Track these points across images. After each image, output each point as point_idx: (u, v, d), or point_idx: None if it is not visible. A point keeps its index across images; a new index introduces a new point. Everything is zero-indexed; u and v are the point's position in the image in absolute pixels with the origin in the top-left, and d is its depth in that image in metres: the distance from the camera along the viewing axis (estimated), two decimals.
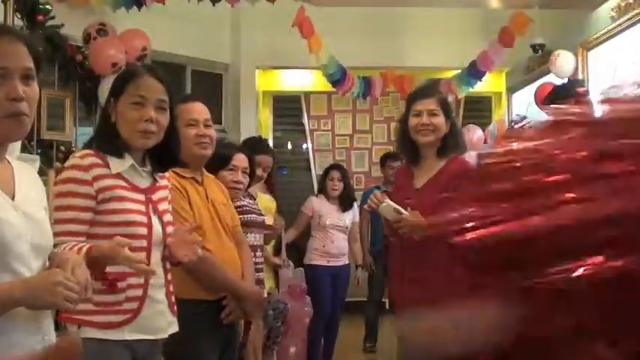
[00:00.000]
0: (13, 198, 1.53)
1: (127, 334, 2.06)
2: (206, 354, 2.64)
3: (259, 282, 3.31)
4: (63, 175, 2.07)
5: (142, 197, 2.14)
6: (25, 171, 1.62)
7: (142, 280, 2.07)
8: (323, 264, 5.28)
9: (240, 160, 3.30)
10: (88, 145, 2.19)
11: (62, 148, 5.27)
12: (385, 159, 6.21)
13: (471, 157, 7.34)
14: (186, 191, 2.61)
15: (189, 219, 2.52)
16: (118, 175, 2.10)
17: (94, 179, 2.05)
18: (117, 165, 2.11)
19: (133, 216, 2.09)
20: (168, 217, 2.22)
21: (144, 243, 2.09)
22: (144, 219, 2.11)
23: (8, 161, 1.61)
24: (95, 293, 1.98)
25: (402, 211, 2.98)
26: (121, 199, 2.08)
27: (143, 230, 2.10)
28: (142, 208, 2.12)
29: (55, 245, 1.85)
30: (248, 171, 3.41)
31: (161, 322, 2.15)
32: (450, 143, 3.08)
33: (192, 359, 2.59)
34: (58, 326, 1.91)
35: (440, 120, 3.05)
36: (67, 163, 2.11)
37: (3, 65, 1.51)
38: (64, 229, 2.00)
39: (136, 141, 2.15)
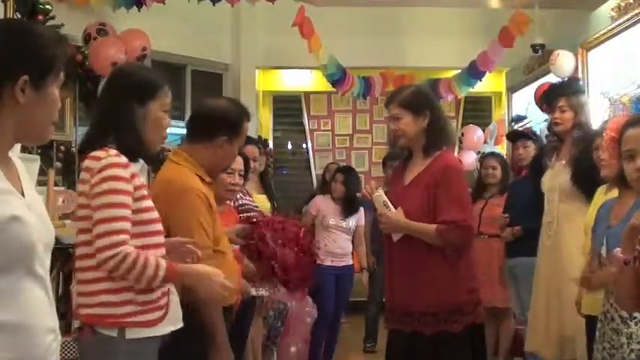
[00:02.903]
0: (22, 195, 1.52)
1: (164, 328, 2.09)
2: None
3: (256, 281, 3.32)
4: (105, 174, 2.01)
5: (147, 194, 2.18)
6: (19, 164, 1.61)
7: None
8: (326, 264, 5.28)
9: (237, 162, 3.32)
10: (102, 144, 2.11)
11: (62, 148, 5.28)
12: (386, 159, 6.22)
13: (470, 155, 7.38)
14: (208, 200, 2.56)
15: (209, 234, 2.49)
16: (135, 175, 2.13)
17: (132, 177, 2.06)
18: (135, 164, 2.14)
19: (154, 213, 2.12)
20: None
21: (162, 239, 2.14)
22: (158, 215, 2.14)
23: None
24: (137, 294, 2.02)
25: (390, 206, 2.99)
26: (146, 197, 2.11)
27: (160, 226, 2.14)
28: (152, 204, 2.15)
29: (115, 244, 1.94)
30: (243, 173, 3.43)
31: (179, 311, 2.18)
32: (430, 140, 3.00)
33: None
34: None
35: (404, 122, 2.98)
36: (105, 162, 2.02)
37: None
38: (117, 227, 1.98)
39: (157, 146, 2.24)
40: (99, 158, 2.03)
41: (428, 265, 2.89)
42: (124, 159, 2.05)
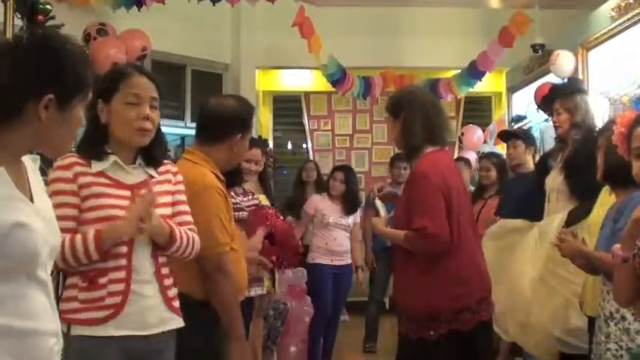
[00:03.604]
0: (31, 201, 1.52)
1: (113, 330, 2.05)
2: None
3: (258, 280, 3.33)
4: (49, 178, 2.11)
5: (126, 193, 2.14)
6: (30, 166, 1.60)
7: (123, 275, 2.08)
8: (326, 263, 5.28)
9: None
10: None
11: None
12: (394, 160, 6.24)
13: (470, 155, 7.37)
14: (226, 198, 2.61)
15: (229, 230, 2.55)
16: (100, 173, 2.13)
17: (75, 177, 2.10)
18: (98, 164, 2.15)
19: (113, 211, 2.09)
20: (164, 211, 2.20)
21: (124, 237, 2.09)
22: (116, 212, 2.10)
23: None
24: (78, 291, 2.05)
25: (381, 213, 3.12)
26: (100, 195, 2.10)
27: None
28: (125, 203, 2.12)
29: None
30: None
31: (151, 317, 2.12)
32: (404, 141, 3.00)
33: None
34: None
35: (389, 127, 3.05)
36: (54, 165, 2.15)
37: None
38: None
39: (133, 139, 2.17)
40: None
41: (407, 269, 2.90)
42: (69, 160, 2.11)
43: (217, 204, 2.50)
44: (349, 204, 5.37)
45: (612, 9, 5.41)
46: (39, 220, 1.47)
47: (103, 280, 2.06)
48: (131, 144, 2.18)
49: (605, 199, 3.16)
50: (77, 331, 2.04)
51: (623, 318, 2.59)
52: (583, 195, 3.40)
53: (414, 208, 2.83)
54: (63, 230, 1.93)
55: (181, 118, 7.48)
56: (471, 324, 2.80)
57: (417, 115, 2.93)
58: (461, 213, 2.85)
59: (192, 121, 7.66)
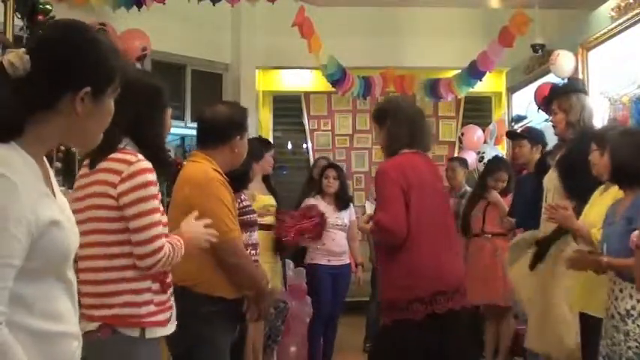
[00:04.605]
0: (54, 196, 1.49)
1: (172, 327, 2.18)
2: (224, 352, 2.72)
3: None
4: (140, 179, 2.05)
5: None
6: (48, 165, 1.57)
7: (171, 277, 2.20)
8: (324, 263, 5.28)
9: None
10: (112, 145, 2.11)
11: (62, 147, 5.26)
12: None
13: (470, 155, 7.38)
14: (229, 189, 2.77)
15: (235, 219, 2.72)
16: None
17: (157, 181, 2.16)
18: None
19: (164, 217, 2.18)
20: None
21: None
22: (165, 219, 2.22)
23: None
24: (152, 294, 2.09)
25: (366, 209, 3.46)
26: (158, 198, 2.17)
27: (166, 229, 2.19)
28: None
29: (158, 250, 2.04)
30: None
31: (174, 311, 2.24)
32: (385, 145, 3.27)
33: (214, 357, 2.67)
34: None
35: (375, 133, 3.30)
36: (138, 167, 2.05)
37: None
38: (158, 232, 2.07)
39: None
40: (129, 162, 2.06)
41: (379, 261, 3.31)
42: (150, 164, 2.10)
43: (222, 193, 2.64)
44: (342, 200, 5.40)
45: (612, 9, 5.41)
46: (65, 217, 1.45)
47: (169, 281, 2.17)
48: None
49: (596, 200, 3.18)
50: (152, 333, 2.09)
51: None
52: (577, 195, 3.41)
53: (377, 203, 3.16)
54: (163, 236, 2.07)
55: (181, 118, 7.48)
56: (422, 314, 3.00)
57: (401, 122, 3.19)
58: (424, 209, 3.04)
59: (192, 121, 7.66)
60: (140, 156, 2.08)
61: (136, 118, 2.13)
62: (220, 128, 2.80)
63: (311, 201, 5.45)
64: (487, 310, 5.26)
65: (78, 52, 1.44)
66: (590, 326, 2.98)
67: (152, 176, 2.06)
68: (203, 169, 2.69)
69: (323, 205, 5.34)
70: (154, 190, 2.07)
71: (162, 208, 2.14)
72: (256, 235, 3.70)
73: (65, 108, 1.42)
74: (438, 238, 3.11)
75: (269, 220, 4.63)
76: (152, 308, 2.08)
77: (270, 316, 4.45)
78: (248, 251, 3.17)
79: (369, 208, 3.57)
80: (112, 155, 2.07)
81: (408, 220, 2.98)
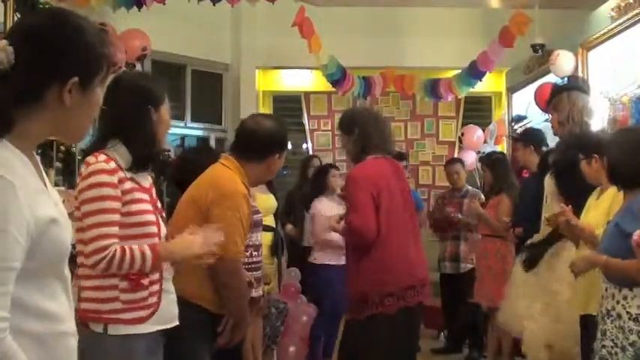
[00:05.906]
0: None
1: (151, 327, 2.16)
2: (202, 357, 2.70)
3: (257, 280, 3.34)
4: (91, 180, 2.10)
5: (147, 197, 2.22)
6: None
7: (158, 276, 2.18)
8: (328, 262, 5.28)
9: None
10: (96, 148, 2.21)
11: (62, 147, 5.26)
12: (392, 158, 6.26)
13: (470, 155, 7.37)
14: (250, 207, 2.74)
15: (246, 235, 2.71)
16: (131, 178, 2.18)
17: (119, 182, 2.13)
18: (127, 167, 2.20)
19: (147, 216, 2.17)
20: (163, 214, 2.34)
21: (156, 240, 2.18)
22: (154, 218, 2.20)
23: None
24: (119, 292, 2.09)
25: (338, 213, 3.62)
26: (138, 200, 2.16)
27: (154, 229, 2.19)
28: (150, 207, 2.21)
29: (103, 248, 2.03)
30: None
31: (173, 310, 2.25)
32: (354, 151, 3.39)
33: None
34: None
35: (343, 141, 3.45)
36: (92, 168, 2.11)
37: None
38: (103, 232, 2.08)
39: (163, 145, 2.37)
40: (88, 164, 2.13)
41: (348, 258, 3.40)
42: (112, 165, 2.12)
43: (243, 210, 2.60)
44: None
45: (612, 9, 5.41)
46: (59, 212, 1.40)
47: (145, 282, 2.14)
48: (161, 150, 2.38)
49: (592, 204, 3.18)
50: (117, 330, 2.10)
51: (619, 316, 2.60)
52: (571, 196, 3.40)
53: (349, 206, 3.34)
54: (110, 236, 2.06)
55: (181, 118, 7.48)
56: (395, 308, 3.16)
57: (369, 130, 3.35)
58: (392, 211, 3.23)
59: (192, 121, 7.67)
60: (101, 157, 2.12)
61: (122, 118, 2.18)
62: (261, 144, 2.77)
63: (318, 203, 5.41)
64: (487, 310, 5.26)
65: (63, 40, 1.37)
66: (589, 327, 2.98)
67: (108, 177, 2.09)
68: (233, 180, 2.66)
69: (327, 204, 5.33)
70: (110, 191, 2.09)
71: (144, 209, 2.15)
72: (260, 236, 3.68)
73: (52, 101, 1.36)
74: (406, 235, 3.31)
75: (268, 220, 4.63)
76: (118, 306, 2.09)
77: (271, 316, 4.45)
78: (249, 253, 3.16)
79: None
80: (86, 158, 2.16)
81: (379, 222, 3.17)
